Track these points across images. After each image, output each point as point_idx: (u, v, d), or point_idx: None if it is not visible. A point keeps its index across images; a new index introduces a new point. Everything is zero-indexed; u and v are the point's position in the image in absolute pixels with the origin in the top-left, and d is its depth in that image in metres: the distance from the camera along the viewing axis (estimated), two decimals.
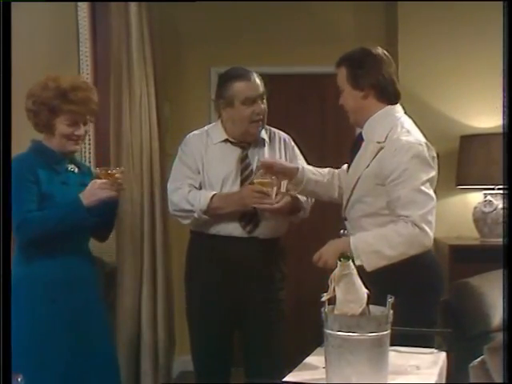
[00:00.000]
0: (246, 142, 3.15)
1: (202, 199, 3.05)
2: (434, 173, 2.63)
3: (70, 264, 2.84)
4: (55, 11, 4.21)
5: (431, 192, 2.59)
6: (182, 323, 3.65)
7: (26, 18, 4.15)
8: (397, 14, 4.64)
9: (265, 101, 3.12)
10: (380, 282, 2.45)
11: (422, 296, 2.60)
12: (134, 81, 4.10)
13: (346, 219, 2.80)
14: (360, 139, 2.78)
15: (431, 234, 2.56)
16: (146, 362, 4.06)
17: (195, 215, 3.07)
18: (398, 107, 2.75)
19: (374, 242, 2.56)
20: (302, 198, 3.15)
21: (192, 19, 4.91)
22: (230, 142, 3.15)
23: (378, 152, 2.63)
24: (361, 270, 2.44)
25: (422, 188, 2.55)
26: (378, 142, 2.65)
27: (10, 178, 2.57)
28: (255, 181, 2.98)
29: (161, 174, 4.09)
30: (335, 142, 4.95)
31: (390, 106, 2.72)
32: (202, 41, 4.89)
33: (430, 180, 2.59)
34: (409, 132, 2.65)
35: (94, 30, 4.28)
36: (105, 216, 2.92)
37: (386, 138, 2.64)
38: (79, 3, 4.23)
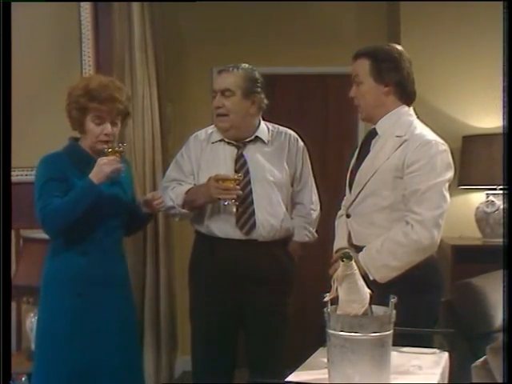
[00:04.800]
0: (238, 140, 3.12)
1: (179, 194, 3.08)
2: (452, 174, 2.63)
3: (101, 262, 2.90)
4: (57, 11, 4.22)
5: (447, 194, 2.58)
6: (184, 323, 3.65)
7: (28, 18, 4.16)
8: (399, 15, 4.64)
9: (234, 97, 3.04)
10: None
11: (423, 295, 2.60)
12: (136, 81, 4.10)
13: (348, 216, 2.77)
14: (372, 136, 2.75)
15: (438, 238, 2.57)
16: (149, 362, 4.06)
17: (177, 211, 3.10)
18: (412, 111, 2.74)
19: (379, 256, 2.56)
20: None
21: (194, 19, 4.90)
22: (226, 142, 3.14)
23: (401, 145, 2.61)
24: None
25: (441, 187, 2.56)
26: (399, 136, 2.63)
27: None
28: (220, 176, 2.97)
29: (163, 174, 4.08)
30: (337, 142, 4.96)
31: (405, 106, 2.72)
32: (204, 41, 4.89)
33: (449, 181, 2.60)
34: (430, 132, 2.67)
35: (97, 30, 4.27)
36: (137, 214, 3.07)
37: (406, 132, 2.63)
38: (81, 3, 4.23)
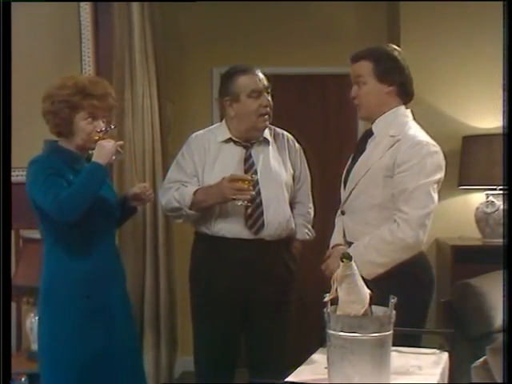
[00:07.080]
0: (250, 140, 3.13)
1: (186, 195, 3.06)
2: (442, 176, 2.65)
3: (103, 261, 2.88)
4: (57, 11, 4.22)
5: (436, 195, 2.60)
6: (184, 323, 3.65)
7: (28, 18, 4.16)
8: (399, 15, 4.64)
9: (270, 95, 3.11)
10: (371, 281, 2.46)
11: (412, 293, 2.59)
12: (136, 81, 4.10)
13: (343, 213, 2.81)
14: (368, 135, 2.78)
15: (424, 238, 2.59)
16: (149, 362, 4.06)
17: (183, 212, 3.08)
18: (409, 112, 2.77)
19: (365, 252, 2.58)
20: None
21: (194, 20, 4.91)
22: (234, 142, 3.14)
23: (394, 145, 2.64)
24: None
25: (429, 188, 2.57)
26: (392, 136, 2.66)
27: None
28: (235, 176, 2.97)
29: (163, 175, 4.08)
30: (337, 142, 4.96)
31: (402, 107, 2.75)
32: (204, 41, 4.89)
33: (438, 182, 2.62)
34: (423, 133, 2.69)
35: (97, 30, 4.27)
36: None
37: (400, 132, 2.66)
38: (81, 3, 4.23)
